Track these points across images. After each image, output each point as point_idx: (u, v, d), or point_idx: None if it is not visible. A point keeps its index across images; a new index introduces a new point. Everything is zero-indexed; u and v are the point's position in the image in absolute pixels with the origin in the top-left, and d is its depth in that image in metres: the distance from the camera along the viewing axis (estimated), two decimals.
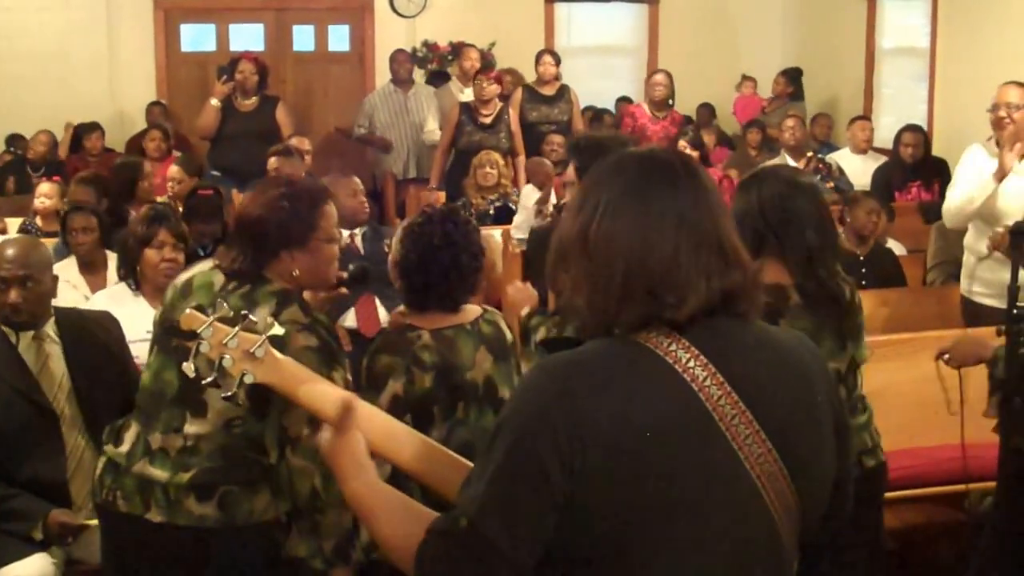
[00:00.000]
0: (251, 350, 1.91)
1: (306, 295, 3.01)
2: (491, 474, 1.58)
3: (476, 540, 1.57)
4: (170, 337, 2.86)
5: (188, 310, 2.03)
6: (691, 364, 1.58)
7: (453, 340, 3.10)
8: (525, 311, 3.42)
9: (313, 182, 3.29)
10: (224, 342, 1.91)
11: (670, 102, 8.92)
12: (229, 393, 1.94)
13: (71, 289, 4.90)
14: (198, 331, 1.93)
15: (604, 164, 1.71)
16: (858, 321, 3.16)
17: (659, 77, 9.03)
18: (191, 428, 2.83)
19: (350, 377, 2.93)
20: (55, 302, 3.68)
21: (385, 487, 1.79)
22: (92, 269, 5.09)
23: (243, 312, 1.98)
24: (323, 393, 1.93)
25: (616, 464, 1.54)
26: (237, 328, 1.92)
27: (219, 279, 2.87)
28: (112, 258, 5.18)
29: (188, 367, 1.94)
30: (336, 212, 2.99)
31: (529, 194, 7.36)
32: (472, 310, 3.20)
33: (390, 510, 1.74)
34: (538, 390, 1.60)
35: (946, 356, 3.30)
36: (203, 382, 1.93)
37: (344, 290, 3.39)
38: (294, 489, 2.80)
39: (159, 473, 2.83)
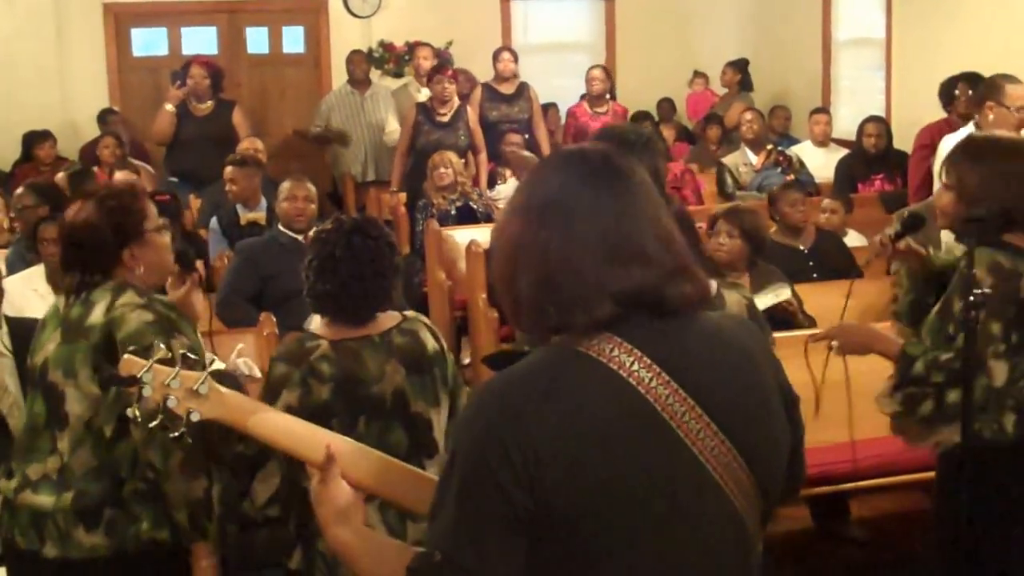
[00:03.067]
0: (194, 387, 1.90)
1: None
2: (454, 502, 1.58)
3: (452, 572, 1.57)
4: (33, 371, 2.93)
5: (125, 356, 2.01)
6: (635, 367, 1.59)
7: (357, 352, 3.02)
8: None
9: (123, 181, 3.36)
10: (166, 383, 1.90)
11: (608, 96, 8.92)
12: (177, 433, 1.93)
13: (38, 298, 4.82)
14: (138, 376, 1.91)
15: (538, 166, 1.76)
16: None
17: (595, 72, 9.07)
18: (61, 443, 2.86)
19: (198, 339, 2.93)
20: (21, 312, 3.68)
21: (367, 531, 1.80)
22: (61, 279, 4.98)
23: (182, 352, 1.97)
24: (298, 433, 1.93)
25: (572, 474, 1.54)
26: (178, 368, 1.92)
27: (61, 302, 2.93)
28: None
29: (132, 411, 1.95)
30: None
31: (512, 189, 7.32)
32: (387, 320, 3.11)
33: (375, 553, 1.75)
34: (483, 411, 1.61)
35: (832, 343, 3.24)
36: (150, 425, 1.93)
37: (197, 276, 3.34)
38: (139, 464, 2.81)
39: (45, 500, 2.84)
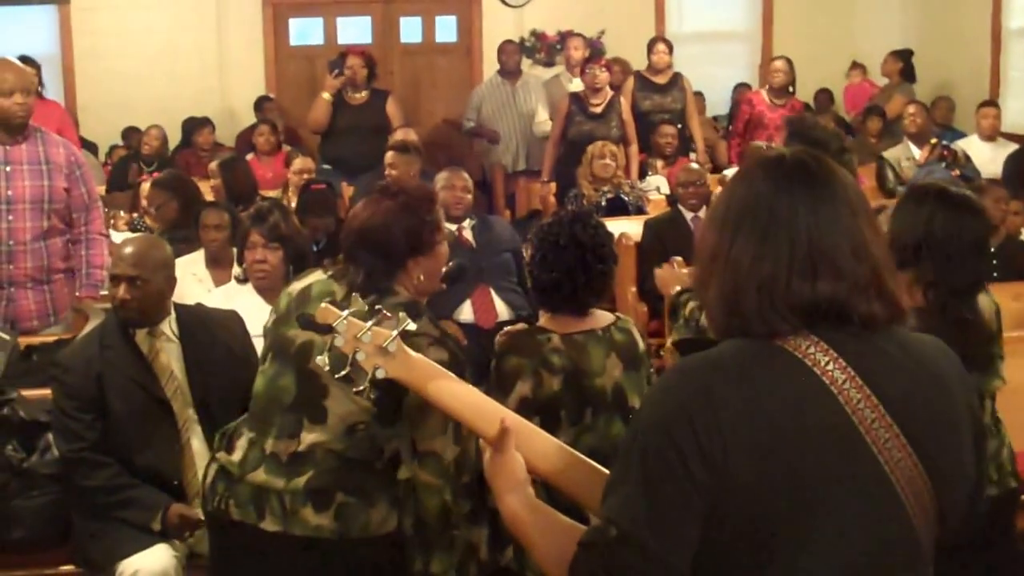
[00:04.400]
0: (384, 345, 1.95)
1: None
2: (634, 478, 1.58)
3: (628, 548, 1.57)
4: (287, 344, 2.84)
5: (324, 304, 2.06)
6: (830, 367, 1.58)
7: (584, 345, 3.10)
8: (676, 290, 3.43)
9: (420, 184, 3.30)
10: (358, 336, 1.96)
11: (790, 89, 8.72)
12: (361, 387, 1.98)
13: (197, 283, 4.96)
14: (333, 325, 1.97)
15: (737, 174, 1.76)
16: (990, 350, 3.03)
17: (779, 63, 8.85)
18: (309, 435, 2.79)
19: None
20: (181, 296, 3.75)
21: (540, 504, 1.81)
22: (219, 265, 5.13)
23: (377, 307, 2.01)
24: (475, 404, 1.95)
25: (756, 461, 1.54)
26: (371, 323, 1.97)
27: (340, 291, 2.83)
28: None
29: (322, 360, 2.00)
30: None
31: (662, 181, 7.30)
32: (604, 316, 3.21)
33: (545, 527, 1.77)
34: (674, 389, 1.61)
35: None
36: (336, 376, 1.98)
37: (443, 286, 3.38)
38: (422, 505, 2.76)
39: (275, 481, 2.79)
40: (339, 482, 2.77)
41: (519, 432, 1.86)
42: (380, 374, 1.96)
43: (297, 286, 2.93)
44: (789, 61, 8.78)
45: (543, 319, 3.20)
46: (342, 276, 2.87)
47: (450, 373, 2.04)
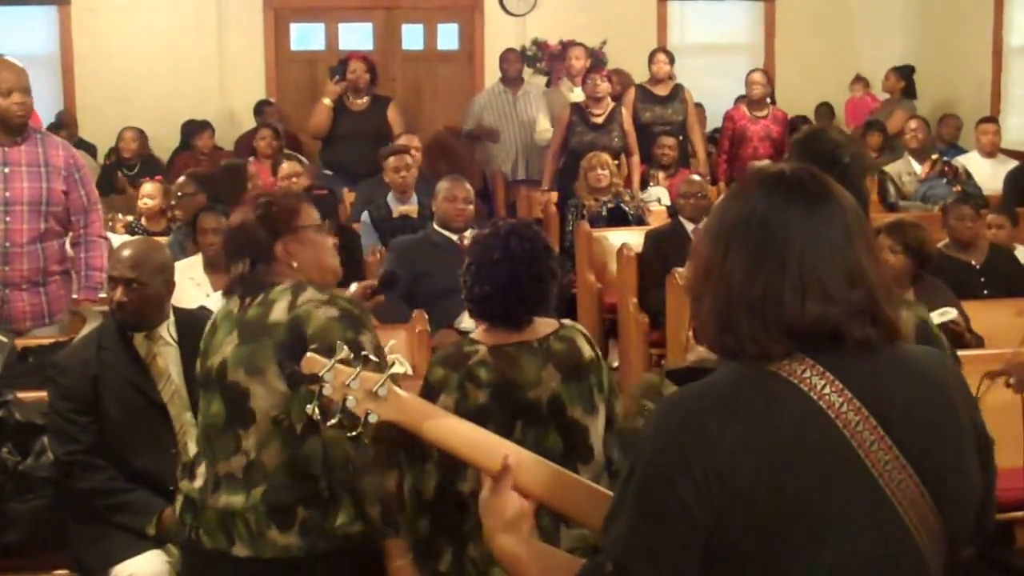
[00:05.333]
0: (374, 389, 1.92)
1: None
2: (630, 512, 1.57)
3: None
4: (208, 373, 2.96)
5: (308, 354, 2.02)
6: (826, 390, 1.55)
7: (515, 357, 3.01)
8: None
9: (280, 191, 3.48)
10: (347, 383, 1.93)
11: (768, 100, 8.72)
12: (354, 433, 1.96)
13: (194, 287, 4.93)
14: (319, 374, 1.95)
15: (734, 187, 1.73)
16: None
17: (755, 75, 8.88)
18: (247, 442, 2.87)
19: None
20: (179, 300, 3.76)
21: (534, 541, 1.80)
22: (217, 269, 5.07)
23: (363, 353, 1.99)
24: (473, 439, 1.92)
25: (754, 492, 1.52)
26: (359, 368, 1.94)
27: (234, 303, 2.97)
28: None
29: (311, 409, 1.98)
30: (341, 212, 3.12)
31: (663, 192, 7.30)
32: (545, 325, 3.10)
33: (541, 564, 1.75)
34: (668, 424, 1.58)
35: (1010, 379, 3.01)
36: (328, 424, 1.96)
37: (381, 297, 3.50)
38: (330, 460, 2.83)
39: (234, 500, 2.85)
40: (297, 496, 2.83)
41: (520, 465, 1.83)
42: (373, 419, 1.93)
43: (211, 320, 3.08)
44: (766, 72, 8.81)
45: (477, 331, 3.12)
46: (231, 291, 3.00)
47: (444, 411, 2.03)
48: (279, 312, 2.85)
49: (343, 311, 2.85)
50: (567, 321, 3.22)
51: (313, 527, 2.83)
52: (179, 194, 6.16)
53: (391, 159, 6.57)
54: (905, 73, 10.14)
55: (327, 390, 1.92)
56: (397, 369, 1.98)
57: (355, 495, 2.83)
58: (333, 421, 1.94)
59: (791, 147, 3.13)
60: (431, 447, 2.10)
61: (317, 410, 1.96)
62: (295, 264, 2.96)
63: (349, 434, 1.96)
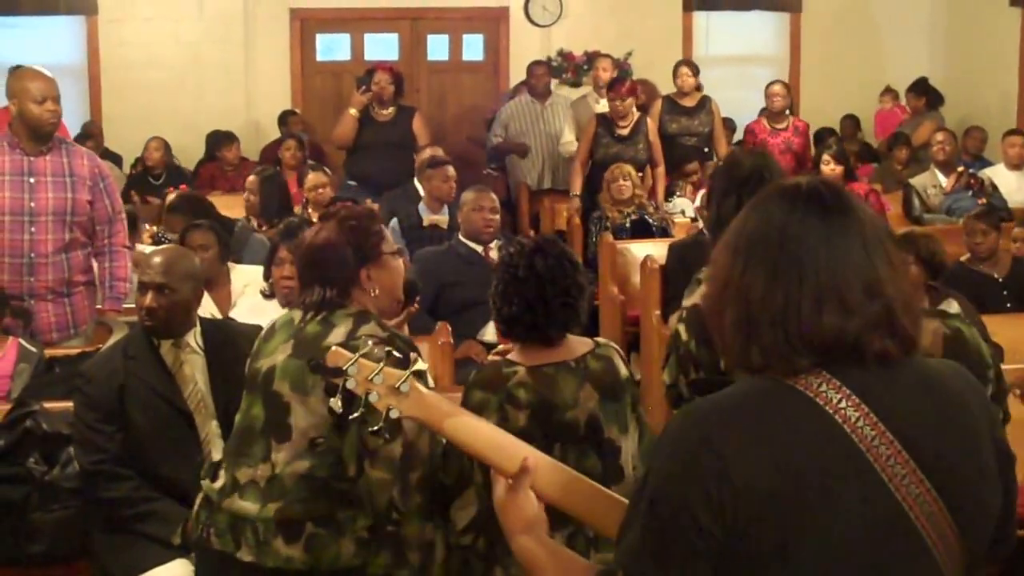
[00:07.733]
0: (396, 385, 1.96)
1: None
2: (642, 524, 1.58)
3: None
4: (255, 375, 2.96)
5: (334, 347, 2.06)
6: (842, 405, 1.56)
7: (553, 377, 3.01)
8: None
9: (362, 205, 3.44)
10: (370, 378, 1.96)
11: (787, 112, 8.68)
12: (376, 428, 1.99)
13: None
14: (344, 368, 1.98)
15: (753, 200, 1.73)
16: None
17: (775, 87, 8.84)
18: (277, 455, 2.87)
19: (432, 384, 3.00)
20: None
21: (551, 542, 1.81)
22: (213, 286, 5.01)
23: (388, 349, 2.03)
24: (493, 439, 1.95)
25: (768, 506, 1.52)
26: (382, 364, 1.98)
27: (297, 315, 2.96)
28: (235, 271, 5.24)
29: (334, 403, 2.01)
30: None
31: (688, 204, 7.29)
32: (580, 344, 3.10)
33: (558, 565, 1.77)
34: (683, 438, 1.59)
35: (1017, 391, 2.99)
36: (349, 417, 1.99)
37: (415, 307, 3.55)
38: (374, 501, 2.83)
39: (249, 507, 2.86)
40: (309, 512, 2.84)
41: (538, 467, 1.85)
42: (394, 414, 1.96)
43: (268, 324, 3.07)
44: (786, 85, 8.77)
45: (513, 351, 3.12)
46: (299, 303, 2.98)
47: (464, 410, 2.04)
48: (336, 337, 2.83)
49: (397, 351, 2.79)
50: (601, 340, 3.21)
51: (319, 544, 2.83)
52: (252, 192, 6.32)
53: (436, 169, 6.57)
54: (922, 87, 10.09)
55: (351, 384, 1.96)
56: (420, 366, 2.02)
57: (397, 540, 2.83)
58: (355, 415, 1.97)
59: (711, 180, 3.17)
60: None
61: (339, 403, 2.00)
62: (376, 291, 2.96)
63: (370, 429, 1.99)
